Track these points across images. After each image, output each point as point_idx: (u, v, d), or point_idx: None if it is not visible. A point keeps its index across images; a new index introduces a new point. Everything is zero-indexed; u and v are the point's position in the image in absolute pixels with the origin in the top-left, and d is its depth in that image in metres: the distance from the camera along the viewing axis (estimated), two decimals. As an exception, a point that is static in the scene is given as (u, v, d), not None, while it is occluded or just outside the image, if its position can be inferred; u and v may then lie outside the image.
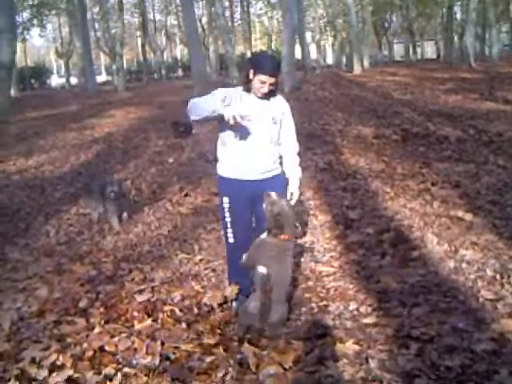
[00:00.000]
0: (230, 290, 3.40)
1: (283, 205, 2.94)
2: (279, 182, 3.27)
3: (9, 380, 2.54)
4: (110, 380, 2.54)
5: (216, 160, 3.37)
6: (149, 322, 3.12)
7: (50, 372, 2.61)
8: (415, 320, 2.98)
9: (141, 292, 3.59)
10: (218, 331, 3.05)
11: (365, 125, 10.02)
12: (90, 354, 2.77)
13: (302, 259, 4.16)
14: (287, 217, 2.93)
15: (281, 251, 2.95)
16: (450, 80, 18.30)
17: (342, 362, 2.62)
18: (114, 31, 32.52)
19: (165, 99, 18.68)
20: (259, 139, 3.14)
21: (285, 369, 2.60)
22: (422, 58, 44.01)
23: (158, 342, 2.84)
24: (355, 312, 3.23)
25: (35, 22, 32.39)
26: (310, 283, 3.74)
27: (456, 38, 36.51)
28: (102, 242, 4.95)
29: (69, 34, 35.64)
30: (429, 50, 51.16)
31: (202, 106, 3.02)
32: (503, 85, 15.00)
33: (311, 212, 5.29)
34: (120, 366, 2.67)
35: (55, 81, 47.20)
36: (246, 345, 2.82)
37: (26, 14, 31.86)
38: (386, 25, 43.07)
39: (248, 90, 3.14)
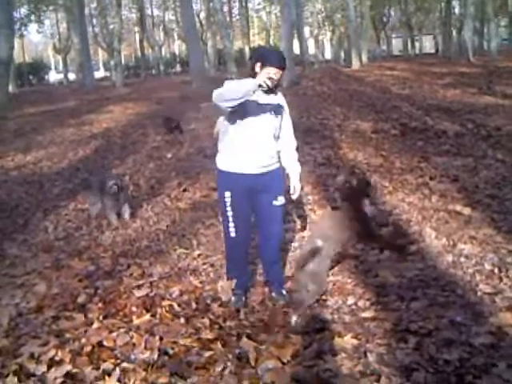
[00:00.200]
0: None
1: None
2: (277, 177, 3.29)
3: (7, 375, 2.54)
4: (109, 375, 2.53)
5: (216, 152, 3.36)
6: (147, 317, 3.12)
7: (49, 367, 2.60)
8: (413, 314, 2.99)
9: (139, 287, 3.59)
10: (217, 326, 3.05)
11: (363, 119, 10.00)
12: (88, 349, 2.77)
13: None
14: None
15: None
16: (449, 74, 18.25)
17: (340, 356, 2.63)
18: (111, 27, 32.43)
19: (163, 95, 18.62)
20: (262, 132, 3.15)
21: (283, 363, 2.61)
22: (420, 53, 43.82)
23: (157, 337, 2.84)
24: (353, 306, 3.25)
25: (33, 17, 32.32)
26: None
27: (454, 33, 36.39)
28: (101, 237, 4.95)
29: (67, 29, 35.48)
30: (427, 44, 50.94)
31: (237, 88, 2.95)
32: (501, 79, 14.96)
33: (310, 206, 5.29)
34: (118, 361, 2.67)
35: (53, 76, 47.02)
36: (245, 339, 2.83)
37: (23, 10, 31.68)
38: (385, 19, 43.06)
39: None
